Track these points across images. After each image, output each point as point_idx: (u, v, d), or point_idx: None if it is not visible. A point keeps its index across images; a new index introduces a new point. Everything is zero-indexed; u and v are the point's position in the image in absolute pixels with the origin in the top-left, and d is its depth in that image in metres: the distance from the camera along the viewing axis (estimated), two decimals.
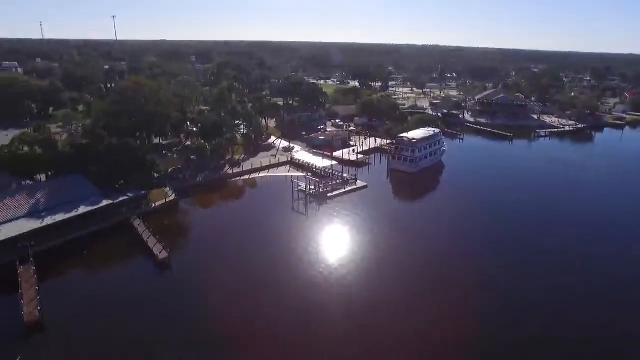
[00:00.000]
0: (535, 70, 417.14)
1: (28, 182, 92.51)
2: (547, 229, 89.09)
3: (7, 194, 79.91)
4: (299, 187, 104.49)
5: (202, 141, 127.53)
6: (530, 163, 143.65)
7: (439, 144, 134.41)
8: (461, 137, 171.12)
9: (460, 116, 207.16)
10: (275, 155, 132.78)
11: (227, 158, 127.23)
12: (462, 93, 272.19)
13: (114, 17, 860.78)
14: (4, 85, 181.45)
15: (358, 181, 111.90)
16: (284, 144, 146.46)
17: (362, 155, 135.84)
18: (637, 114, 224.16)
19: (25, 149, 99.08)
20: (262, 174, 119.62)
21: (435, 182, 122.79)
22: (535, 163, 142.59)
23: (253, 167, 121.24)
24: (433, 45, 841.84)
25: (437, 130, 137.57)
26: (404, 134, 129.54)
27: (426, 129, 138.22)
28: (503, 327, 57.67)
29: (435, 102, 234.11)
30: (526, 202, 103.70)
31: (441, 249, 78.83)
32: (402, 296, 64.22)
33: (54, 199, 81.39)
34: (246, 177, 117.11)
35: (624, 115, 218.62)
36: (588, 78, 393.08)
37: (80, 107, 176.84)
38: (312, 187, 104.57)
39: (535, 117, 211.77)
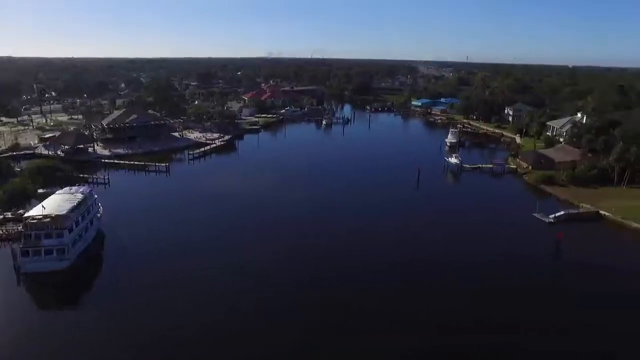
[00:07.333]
0: (142, 79, 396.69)
1: None
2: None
3: None
4: None
5: None
6: (193, 197, 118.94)
7: (92, 208, 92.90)
8: (105, 181, 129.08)
9: (91, 149, 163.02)
10: None
11: None
12: (81, 117, 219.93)
13: None
14: None
15: None
16: None
17: None
18: (263, 115, 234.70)
19: None
20: None
21: (101, 275, 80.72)
22: (206, 197, 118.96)
23: None
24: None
25: (84, 188, 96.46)
26: (35, 212, 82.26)
27: (67, 190, 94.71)
28: None
29: (48, 136, 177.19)
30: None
31: None
32: None
33: None
34: None
35: (256, 119, 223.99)
36: (195, 83, 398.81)
37: None
38: None
39: (178, 135, 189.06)
